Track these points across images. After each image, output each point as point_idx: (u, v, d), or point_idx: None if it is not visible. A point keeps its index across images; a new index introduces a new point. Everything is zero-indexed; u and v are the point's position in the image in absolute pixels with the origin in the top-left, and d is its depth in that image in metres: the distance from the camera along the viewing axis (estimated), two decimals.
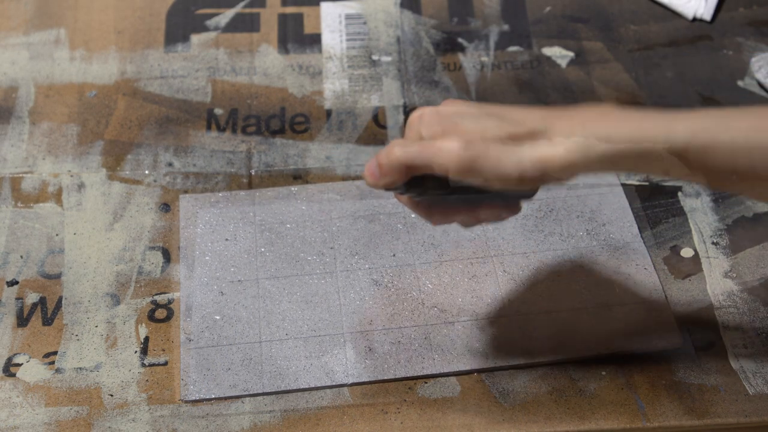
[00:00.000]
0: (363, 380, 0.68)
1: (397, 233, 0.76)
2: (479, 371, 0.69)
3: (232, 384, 0.68)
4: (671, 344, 0.70)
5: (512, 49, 0.92)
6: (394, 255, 0.75)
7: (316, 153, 0.83)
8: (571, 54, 0.91)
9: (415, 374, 0.68)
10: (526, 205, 0.75)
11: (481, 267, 0.74)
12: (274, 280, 0.73)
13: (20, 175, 0.81)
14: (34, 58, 0.90)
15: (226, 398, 0.68)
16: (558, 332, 0.70)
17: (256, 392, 0.68)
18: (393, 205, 0.78)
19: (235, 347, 0.70)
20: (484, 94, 0.88)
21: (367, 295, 0.73)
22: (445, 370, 0.69)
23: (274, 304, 0.72)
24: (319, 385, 0.68)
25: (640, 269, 0.74)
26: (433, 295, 0.72)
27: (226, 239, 0.76)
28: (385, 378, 0.68)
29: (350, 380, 0.68)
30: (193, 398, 0.67)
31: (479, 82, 0.89)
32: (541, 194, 0.77)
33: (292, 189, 0.79)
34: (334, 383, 0.68)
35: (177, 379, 0.69)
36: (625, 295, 0.72)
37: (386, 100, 0.87)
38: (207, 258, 0.75)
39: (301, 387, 0.68)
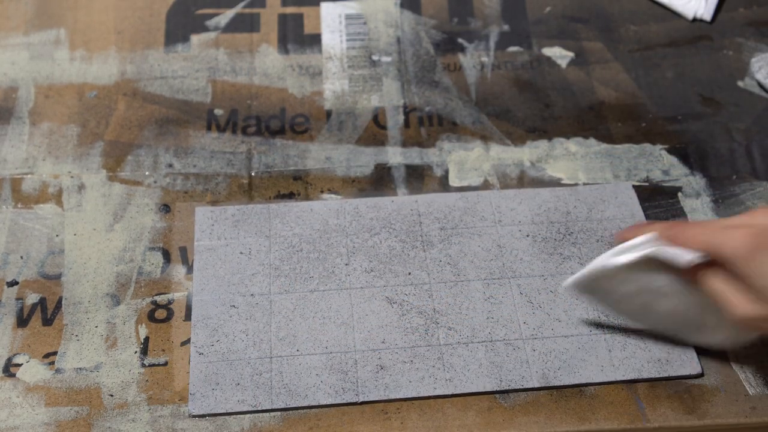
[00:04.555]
0: (373, 399, 0.68)
1: (413, 251, 0.75)
2: (492, 393, 0.68)
3: (240, 399, 0.67)
4: (690, 372, 0.69)
5: (512, 49, 0.92)
6: (409, 273, 0.74)
7: (316, 154, 0.83)
8: (571, 54, 0.91)
9: (427, 394, 0.68)
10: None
11: (498, 288, 0.73)
12: (287, 295, 0.73)
13: (20, 176, 0.81)
14: (34, 58, 0.90)
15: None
16: (575, 357, 0.70)
17: (264, 408, 0.67)
18: (411, 222, 0.77)
19: (245, 362, 0.69)
20: (484, 94, 0.88)
21: (381, 313, 0.72)
22: (458, 392, 0.68)
23: (287, 319, 0.72)
24: (328, 403, 0.67)
25: None
26: (448, 315, 0.72)
27: (241, 253, 0.75)
28: (396, 398, 0.68)
29: (361, 398, 0.68)
30: (201, 413, 0.67)
31: (479, 82, 0.89)
32: (560, 217, 0.77)
33: (311, 204, 0.78)
34: (344, 401, 0.67)
35: (177, 379, 0.69)
36: None
37: (386, 100, 0.87)
38: (220, 271, 0.74)
39: (311, 404, 0.67)
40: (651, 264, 0.63)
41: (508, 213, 0.78)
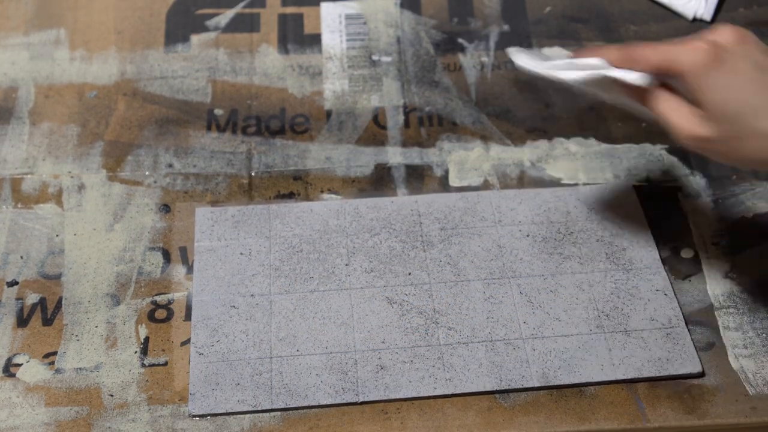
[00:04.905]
0: (374, 399, 0.68)
1: (413, 251, 0.75)
2: (492, 393, 0.68)
3: (240, 399, 0.67)
4: (690, 371, 0.69)
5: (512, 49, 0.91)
6: (409, 273, 0.74)
7: (316, 154, 0.83)
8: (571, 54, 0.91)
9: (427, 394, 0.68)
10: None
11: (498, 288, 0.74)
12: (287, 295, 0.73)
13: (20, 176, 0.81)
14: (34, 58, 0.90)
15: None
16: (574, 357, 0.70)
17: (264, 408, 0.67)
18: (411, 222, 0.77)
19: (245, 362, 0.69)
20: (484, 94, 0.88)
21: (381, 313, 0.72)
22: (458, 391, 0.68)
23: (287, 320, 0.72)
24: (328, 403, 0.67)
25: (659, 295, 0.73)
26: (448, 315, 0.72)
27: (241, 253, 0.75)
28: (396, 398, 0.68)
29: (361, 399, 0.68)
30: (201, 413, 0.67)
31: (479, 82, 0.89)
32: (560, 217, 0.78)
33: (311, 204, 0.79)
34: (344, 401, 0.67)
35: (177, 379, 0.69)
36: (643, 321, 0.72)
37: (386, 100, 0.87)
38: (220, 272, 0.74)
39: (311, 404, 0.67)
40: (599, 83, 0.65)
41: (508, 213, 0.78)
